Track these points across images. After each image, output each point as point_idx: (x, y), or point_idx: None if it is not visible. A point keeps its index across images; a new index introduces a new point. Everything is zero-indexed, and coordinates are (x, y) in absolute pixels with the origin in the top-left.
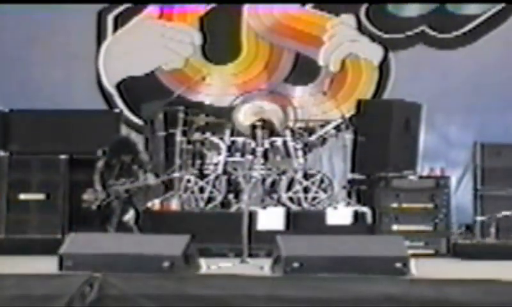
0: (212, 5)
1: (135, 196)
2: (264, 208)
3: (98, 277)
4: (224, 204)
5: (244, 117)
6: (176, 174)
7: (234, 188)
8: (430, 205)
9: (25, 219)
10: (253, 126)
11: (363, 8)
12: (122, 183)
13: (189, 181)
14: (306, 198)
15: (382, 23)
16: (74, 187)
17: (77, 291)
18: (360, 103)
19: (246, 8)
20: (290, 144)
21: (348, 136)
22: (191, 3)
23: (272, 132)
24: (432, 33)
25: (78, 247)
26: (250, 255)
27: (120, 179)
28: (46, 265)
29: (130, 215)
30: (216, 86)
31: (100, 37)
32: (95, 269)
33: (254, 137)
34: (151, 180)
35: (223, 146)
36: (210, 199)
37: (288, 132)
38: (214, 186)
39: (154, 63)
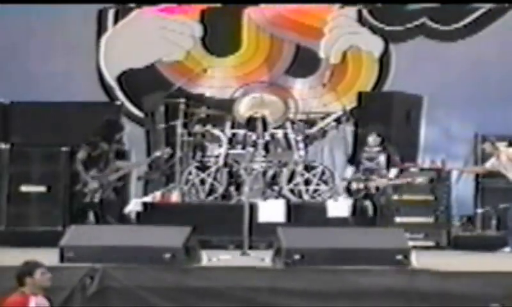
0: None
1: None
2: (265, 200)
3: (99, 269)
4: (225, 196)
5: (245, 109)
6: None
7: (235, 180)
8: (431, 197)
9: (26, 211)
10: (253, 119)
11: None
12: (110, 172)
13: (190, 173)
14: (307, 190)
15: (383, 16)
16: (75, 179)
17: (78, 283)
18: (360, 96)
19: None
20: (291, 136)
21: (349, 128)
22: (194, 3)
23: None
24: (433, 25)
25: (79, 239)
26: (251, 247)
27: (105, 169)
28: (47, 257)
29: (131, 207)
30: (216, 78)
31: (101, 29)
32: (95, 261)
33: (253, 129)
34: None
35: (224, 138)
36: (211, 191)
37: (288, 124)
38: (215, 178)
39: (155, 55)
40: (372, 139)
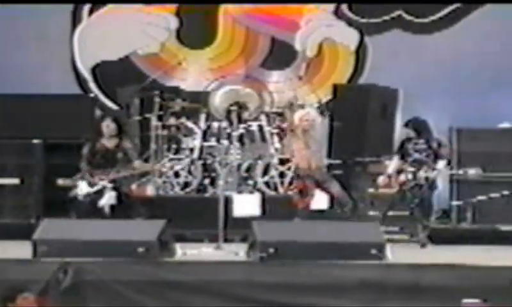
0: None
1: (123, 183)
2: (240, 193)
3: (72, 263)
4: (200, 189)
5: (220, 102)
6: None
7: (210, 173)
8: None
9: (0, 203)
10: (228, 111)
11: None
12: (107, 173)
13: (164, 166)
14: (282, 183)
15: (359, 8)
16: (49, 171)
17: (51, 277)
18: (336, 88)
19: None
20: (266, 129)
21: (324, 121)
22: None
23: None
24: (409, 18)
25: (52, 233)
26: (226, 241)
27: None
28: (20, 250)
29: (105, 200)
30: (192, 71)
31: (76, 20)
32: (69, 255)
33: (230, 122)
34: (139, 167)
35: (198, 131)
36: (185, 184)
37: (264, 117)
38: (189, 171)
39: (129, 48)
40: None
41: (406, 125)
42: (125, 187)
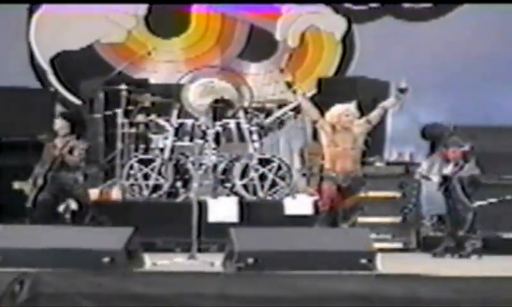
0: None
1: (75, 187)
2: (216, 197)
3: (30, 274)
4: (172, 193)
5: (194, 96)
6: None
7: (182, 175)
8: (398, 194)
9: None
10: (212, 108)
11: None
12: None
13: (131, 167)
14: (262, 186)
15: None
16: (3, 172)
17: (6, 290)
18: (321, 82)
19: None
20: (245, 126)
21: (308, 118)
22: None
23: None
24: (401, 4)
25: (8, 241)
26: (200, 250)
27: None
28: None
29: (65, 206)
30: (162, 62)
31: (32, 6)
32: (26, 265)
33: (215, 118)
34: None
35: (170, 129)
36: (155, 188)
37: (242, 114)
38: (159, 173)
39: (92, 36)
40: None
41: (423, 135)
42: (81, 191)
